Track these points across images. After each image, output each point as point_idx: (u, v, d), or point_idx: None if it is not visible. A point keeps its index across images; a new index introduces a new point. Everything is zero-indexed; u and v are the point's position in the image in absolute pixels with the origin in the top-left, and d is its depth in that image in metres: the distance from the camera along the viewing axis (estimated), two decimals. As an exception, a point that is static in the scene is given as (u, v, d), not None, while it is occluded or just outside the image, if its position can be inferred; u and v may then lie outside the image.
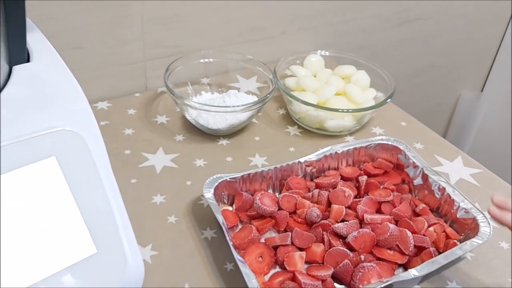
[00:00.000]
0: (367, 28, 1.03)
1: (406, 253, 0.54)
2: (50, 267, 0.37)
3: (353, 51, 0.89)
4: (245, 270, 0.49)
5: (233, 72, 0.82)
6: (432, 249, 0.55)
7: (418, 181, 0.64)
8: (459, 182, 0.69)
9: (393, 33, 1.08)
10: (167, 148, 0.70)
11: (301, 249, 0.55)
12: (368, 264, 0.52)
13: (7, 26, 0.41)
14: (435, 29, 1.14)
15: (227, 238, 0.52)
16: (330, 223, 0.57)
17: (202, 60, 0.78)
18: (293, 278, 0.52)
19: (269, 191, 0.63)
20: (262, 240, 0.56)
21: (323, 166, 0.66)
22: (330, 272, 0.52)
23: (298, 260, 0.53)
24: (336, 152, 0.66)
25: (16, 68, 0.43)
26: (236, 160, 0.70)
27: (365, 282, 0.51)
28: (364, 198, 0.60)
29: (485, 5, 1.16)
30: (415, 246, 0.55)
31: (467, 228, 0.58)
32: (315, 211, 0.57)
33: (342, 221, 0.57)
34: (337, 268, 0.52)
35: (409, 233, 0.55)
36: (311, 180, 0.65)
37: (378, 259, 0.54)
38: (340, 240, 0.55)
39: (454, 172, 0.71)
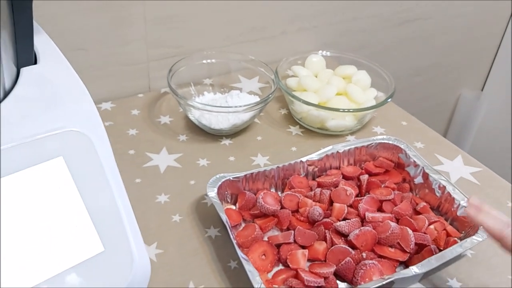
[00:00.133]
0: (367, 28, 1.03)
1: (407, 250, 0.55)
2: (58, 265, 0.38)
3: (354, 51, 0.90)
4: (249, 268, 0.50)
5: (235, 73, 0.83)
6: (432, 246, 0.56)
7: (418, 179, 0.65)
8: (460, 181, 0.70)
9: (393, 33, 1.08)
10: (170, 148, 0.71)
11: (303, 247, 0.56)
12: (370, 261, 0.53)
13: (15, 29, 0.41)
14: (435, 28, 1.14)
15: (231, 236, 0.53)
16: (332, 222, 0.57)
17: (204, 61, 0.79)
18: (296, 276, 0.52)
19: (271, 190, 0.64)
20: (265, 239, 0.57)
21: (324, 165, 0.67)
22: (332, 269, 0.52)
23: (301, 258, 0.54)
24: (337, 152, 0.67)
25: (24, 70, 0.44)
26: (239, 160, 0.70)
27: (367, 279, 0.51)
28: (365, 197, 0.61)
29: (485, 5, 1.17)
30: (416, 243, 0.55)
31: (467, 226, 0.59)
32: (317, 210, 0.58)
33: (344, 219, 0.58)
34: (339, 265, 0.53)
35: (410, 231, 0.56)
36: (313, 179, 0.66)
37: (380, 256, 0.55)
38: (342, 238, 0.56)
39: (454, 171, 0.71)
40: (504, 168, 1.17)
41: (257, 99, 0.76)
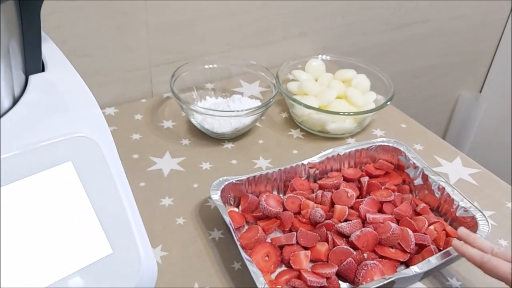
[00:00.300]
0: (366, 32, 1.05)
1: (408, 251, 0.56)
2: (69, 267, 0.39)
3: (353, 54, 0.91)
4: (253, 269, 0.51)
5: (236, 77, 0.84)
6: (432, 246, 0.57)
7: (418, 181, 0.66)
8: (459, 182, 0.71)
9: (392, 36, 1.10)
10: (174, 152, 0.72)
11: (306, 248, 0.57)
12: (371, 262, 0.54)
13: (23, 38, 0.43)
14: (434, 31, 1.15)
15: (235, 238, 0.54)
16: (333, 223, 0.58)
17: (206, 66, 0.80)
18: (299, 276, 0.53)
19: (273, 193, 0.65)
20: (268, 240, 0.58)
21: (325, 168, 0.68)
22: (334, 270, 0.53)
23: (303, 259, 0.55)
24: (338, 154, 0.68)
25: (32, 78, 0.45)
26: (241, 163, 0.71)
27: (368, 279, 0.52)
28: (366, 199, 0.62)
29: (482, 7, 1.18)
30: (416, 244, 0.57)
31: (466, 226, 0.59)
32: (319, 212, 0.59)
33: (345, 220, 0.59)
34: (341, 266, 0.54)
35: (410, 232, 0.57)
36: (314, 181, 0.67)
37: (381, 257, 0.56)
38: (344, 239, 0.57)
39: (453, 172, 0.72)
40: (503, 169, 1.18)
41: (258, 103, 0.77)
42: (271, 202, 0.61)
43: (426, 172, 0.65)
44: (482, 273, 0.51)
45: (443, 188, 0.63)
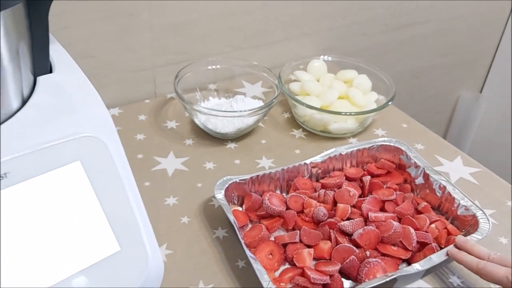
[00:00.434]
0: (367, 32, 1.05)
1: (410, 248, 0.57)
2: (78, 264, 0.40)
3: (354, 54, 0.92)
4: (257, 267, 0.51)
5: (239, 78, 0.85)
6: (434, 244, 0.57)
7: (419, 180, 0.67)
8: (459, 181, 0.71)
9: (392, 36, 1.10)
10: (177, 152, 0.73)
11: (309, 246, 0.57)
12: (374, 259, 0.54)
13: (32, 40, 0.43)
14: (434, 31, 1.16)
15: (239, 236, 0.55)
16: (336, 221, 0.59)
17: (209, 67, 0.81)
18: (303, 274, 0.54)
19: (276, 192, 0.66)
20: (272, 238, 0.59)
21: (328, 167, 0.68)
22: (337, 267, 0.54)
23: (306, 257, 0.55)
24: (340, 154, 0.69)
25: (41, 79, 0.46)
26: (244, 163, 0.72)
27: (371, 276, 0.53)
28: (368, 197, 0.63)
29: (483, 7, 1.19)
30: (418, 242, 0.57)
31: (467, 225, 0.61)
32: (321, 210, 0.60)
33: (348, 219, 0.60)
34: (344, 263, 0.55)
35: (412, 230, 0.57)
36: (317, 180, 0.68)
37: (383, 254, 0.57)
38: (346, 237, 0.58)
39: (454, 172, 0.73)
40: (503, 168, 1.18)
41: (260, 103, 0.78)
42: (274, 201, 0.61)
43: (427, 171, 0.66)
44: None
45: (444, 187, 0.64)
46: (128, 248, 0.42)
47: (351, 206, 0.61)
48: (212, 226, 0.61)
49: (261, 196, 0.63)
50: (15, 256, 0.37)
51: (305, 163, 0.67)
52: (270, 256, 0.57)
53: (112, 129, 0.45)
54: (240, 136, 0.77)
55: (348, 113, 0.75)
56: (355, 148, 0.69)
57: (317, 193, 0.64)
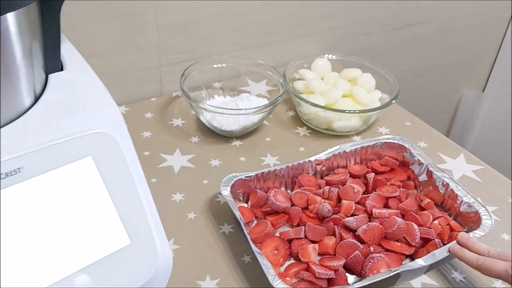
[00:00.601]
0: (370, 32, 1.06)
1: (413, 244, 0.58)
2: (90, 257, 0.41)
3: (357, 54, 0.93)
4: (263, 261, 0.52)
5: (244, 76, 0.86)
6: (437, 240, 0.58)
7: (423, 177, 0.68)
8: (462, 178, 0.72)
9: (395, 36, 1.11)
10: (183, 149, 0.74)
11: (314, 242, 0.58)
12: (377, 255, 0.55)
13: (44, 39, 0.44)
14: (436, 30, 1.17)
15: (245, 232, 0.56)
16: (340, 218, 0.60)
17: (215, 65, 0.82)
18: (307, 269, 0.55)
19: (281, 189, 0.66)
20: (277, 234, 0.60)
21: (332, 165, 0.69)
22: (342, 262, 0.55)
23: (311, 252, 0.56)
24: (344, 151, 0.70)
25: (52, 76, 0.47)
26: (249, 160, 0.73)
27: (375, 271, 0.54)
28: (372, 194, 0.63)
29: (485, 7, 1.20)
30: (421, 238, 0.58)
31: (470, 221, 0.61)
32: (326, 207, 0.61)
33: (352, 215, 0.61)
34: (348, 259, 0.55)
35: (415, 226, 0.58)
36: (321, 177, 0.69)
37: (387, 250, 0.57)
38: (351, 233, 0.59)
39: (457, 169, 0.74)
40: (505, 166, 1.19)
41: (265, 101, 0.79)
42: (279, 198, 0.62)
43: (430, 169, 0.67)
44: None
45: (447, 184, 0.64)
46: (138, 241, 0.43)
47: (355, 203, 0.62)
48: (218, 222, 0.62)
49: (266, 192, 0.64)
50: (29, 249, 0.38)
51: (309, 160, 0.68)
52: (276, 251, 0.57)
53: (122, 125, 0.46)
54: (245, 134, 0.78)
55: (352, 111, 0.76)
56: (359, 146, 0.70)
57: (322, 189, 0.65)
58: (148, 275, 0.42)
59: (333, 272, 0.54)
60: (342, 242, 0.57)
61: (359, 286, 0.52)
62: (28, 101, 0.43)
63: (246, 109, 0.73)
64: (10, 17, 0.38)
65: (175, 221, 0.62)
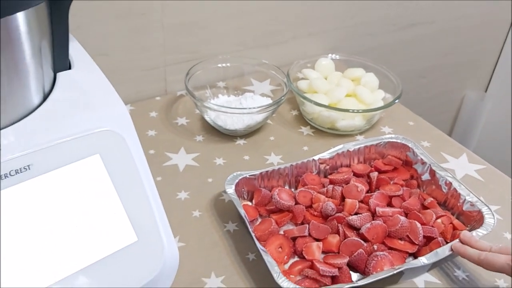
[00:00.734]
0: (374, 32, 1.07)
1: (416, 242, 0.58)
2: (97, 254, 0.41)
3: (360, 54, 0.93)
4: (268, 259, 0.53)
5: (248, 76, 0.87)
6: (440, 239, 0.59)
7: (426, 176, 0.68)
8: (465, 178, 0.73)
9: (398, 36, 1.12)
10: (188, 148, 0.75)
11: (318, 240, 0.59)
12: (381, 253, 0.56)
13: (52, 38, 0.45)
14: (439, 31, 1.17)
15: (250, 229, 0.56)
16: (344, 216, 0.60)
17: (220, 65, 0.83)
18: (312, 266, 0.55)
19: (285, 187, 0.67)
20: (281, 232, 0.60)
21: (336, 164, 0.70)
22: (345, 260, 0.55)
23: (315, 250, 0.57)
24: (348, 150, 0.70)
25: (60, 75, 0.47)
26: (253, 159, 0.74)
27: (379, 269, 0.54)
28: (375, 193, 0.64)
29: (487, 7, 1.20)
30: (424, 236, 0.59)
31: (472, 220, 0.62)
32: (330, 205, 0.61)
33: (356, 214, 0.61)
34: (352, 257, 0.56)
35: (419, 225, 0.59)
36: (325, 176, 0.69)
37: (390, 248, 0.58)
38: (354, 231, 0.59)
39: (459, 168, 0.74)
40: (507, 166, 1.20)
41: (269, 101, 0.80)
42: (283, 196, 0.63)
43: (433, 168, 0.67)
44: (488, 264, 0.53)
45: (450, 183, 0.65)
46: (145, 238, 0.43)
47: (359, 201, 0.63)
48: (222, 220, 0.63)
49: (270, 191, 0.65)
50: (37, 245, 0.39)
51: (313, 159, 0.68)
52: (280, 249, 0.58)
53: (129, 123, 0.46)
54: (249, 133, 0.78)
55: (355, 111, 0.77)
56: (363, 145, 0.71)
57: (325, 188, 0.65)
58: (154, 272, 0.43)
59: (337, 269, 0.55)
60: (346, 240, 0.58)
61: (362, 283, 0.52)
62: (37, 99, 0.44)
63: (250, 108, 0.73)
64: (20, 17, 0.39)
65: (180, 219, 0.62)
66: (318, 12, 0.96)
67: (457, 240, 0.56)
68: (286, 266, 0.57)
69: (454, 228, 0.61)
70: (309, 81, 0.84)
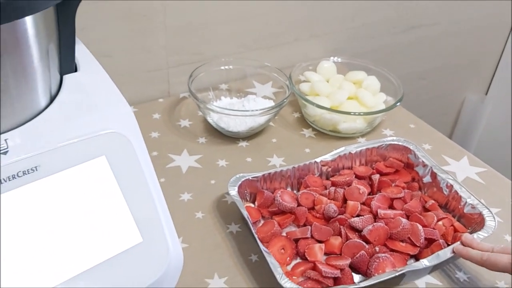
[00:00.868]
0: (375, 34, 1.07)
1: (418, 245, 0.58)
2: (102, 254, 0.42)
3: (362, 56, 0.94)
4: (271, 260, 0.53)
5: (250, 78, 0.87)
6: (441, 241, 0.59)
7: (427, 179, 0.69)
8: (466, 180, 0.73)
9: (399, 38, 1.12)
10: (191, 149, 0.75)
11: (320, 242, 0.59)
12: (383, 255, 0.56)
13: (59, 41, 0.46)
14: (440, 33, 1.18)
15: (253, 231, 0.57)
16: (346, 218, 0.61)
17: (222, 67, 0.83)
18: (314, 268, 0.56)
19: (288, 189, 0.67)
20: (283, 234, 0.61)
21: (337, 166, 0.70)
22: (347, 262, 0.56)
23: (318, 251, 0.57)
24: (350, 152, 0.70)
25: (67, 77, 0.48)
26: (256, 161, 0.74)
27: (380, 271, 0.55)
28: (377, 195, 0.64)
29: (488, 10, 1.21)
30: (425, 238, 0.59)
31: (473, 222, 0.62)
32: (332, 207, 0.62)
33: (358, 216, 0.62)
34: (354, 258, 0.56)
35: (420, 227, 0.59)
36: (327, 178, 0.70)
37: (392, 250, 0.58)
38: (356, 233, 0.60)
39: (460, 171, 0.75)
40: (507, 168, 1.20)
41: (271, 103, 0.80)
42: (286, 198, 0.63)
43: (434, 170, 0.68)
44: (489, 266, 0.54)
45: (451, 186, 0.65)
46: (150, 239, 0.44)
47: (361, 203, 0.63)
48: (225, 221, 0.63)
49: (273, 193, 0.65)
50: (43, 245, 0.39)
51: (315, 161, 0.69)
52: (282, 250, 0.58)
53: (135, 125, 0.47)
54: (251, 135, 0.79)
55: (357, 113, 0.77)
56: (364, 147, 0.71)
57: (328, 190, 0.66)
58: (159, 272, 0.43)
59: (339, 271, 0.55)
60: (348, 242, 0.58)
61: (364, 285, 0.53)
62: (44, 101, 0.44)
63: (253, 110, 0.74)
64: (29, 20, 0.39)
65: (183, 220, 0.63)
66: (320, 14, 0.96)
67: (459, 242, 0.57)
68: (289, 268, 0.57)
69: (455, 230, 0.62)
70: (311, 83, 0.84)
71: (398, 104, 0.79)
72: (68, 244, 0.40)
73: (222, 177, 0.69)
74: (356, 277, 0.57)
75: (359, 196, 0.64)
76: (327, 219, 0.62)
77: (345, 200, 0.64)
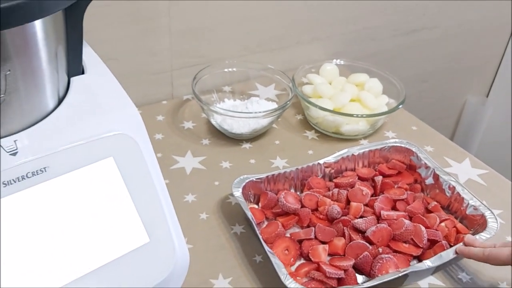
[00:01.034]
0: (377, 37, 1.08)
1: (420, 246, 0.59)
2: (110, 255, 0.42)
3: (363, 59, 0.95)
4: (275, 261, 0.54)
5: (253, 80, 0.88)
6: (444, 242, 0.59)
7: (429, 180, 0.69)
8: (468, 182, 0.74)
9: (401, 41, 1.13)
10: (195, 151, 0.76)
11: (323, 243, 0.60)
12: (386, 255, 0.57)
13: (67, 43, 0.46)
14: (442, 36, 1.18)
15: (257, 232, 0.57)
16: (350, 219, 0.61)
17: (226, 70, 0.84)
18: (318, 268, 0.56)
19: (291, 191, 0.68)
20: (287, 235, 0.61)
21: (340, 167, 0.71)
22: (351, 263, 0.56)
23: (321, 252, 0.58)
24: (352, 154, 0.71)
25: (74, 79, 0.48)
26: (259, 162, 0.75)
27: (384, 272, 0.55)
28: (380, 196, 0.65)
29: (489, 13, 1.21)
30: (428, 239, 0.59)
31: (476, 224, 0.63)
32: (335, 208, 0.62)
33: (361, 217, 0.62)
34: (358, 259, 0.57)
35: (423, 228, 0.60)
36: (330, 180, 0.70)
37: (395, 251, 0.59)
38: (360, 234, 0.60)
39: (462, 173, 0.75)
40: (508, 170, 1.20)
41: (274, 105, 0.81)
42: (289, 199, 0.64)
43: (437, 172, 0.68)
44: (491, 267, 0.54)
45: (454, 187, 0.66)
46: (157, 239, 0.44)
47: (364, 205, 0.64)
48: (229, 222, 0.64)
49: (277, 194, 0.66)
50: (51, 246, 0.40)
51: (318, 163, 0.69)
52: (286, 251, 0.59)
53: (141, 127, 0.47)
54: (254, 137, 0.79)
55: (360, 116, 0.78)
56: (367, 149, 0.72)
57: (331, 192, 0.66)
58: (166, 272, 0.44)
59: (343, 272, 0.55)
60: (351, 243, 0.59)
61: (368, 286, 0.53)
62: (52, 103, 0.45)
63: (256, 112, 0.75)
64: (38, 24, 0.40)
65: (187, 221, 0.63)
66: (322, 17, 0.97)
67: (461, 243, 0.57)
68: (293, 268, 0.58)
69: (458, 231, 0.62)
70: (313, 86, 0.85)
71: (401, 106, 0.79)
72: (76, 244, 0.41)
73: (226, 178, 0.70)
74: (360, 278, 0.57)
75: (362, 197, 0.64)
76: (330, 220, 0.63)
77: (348, 202, 0.65)
